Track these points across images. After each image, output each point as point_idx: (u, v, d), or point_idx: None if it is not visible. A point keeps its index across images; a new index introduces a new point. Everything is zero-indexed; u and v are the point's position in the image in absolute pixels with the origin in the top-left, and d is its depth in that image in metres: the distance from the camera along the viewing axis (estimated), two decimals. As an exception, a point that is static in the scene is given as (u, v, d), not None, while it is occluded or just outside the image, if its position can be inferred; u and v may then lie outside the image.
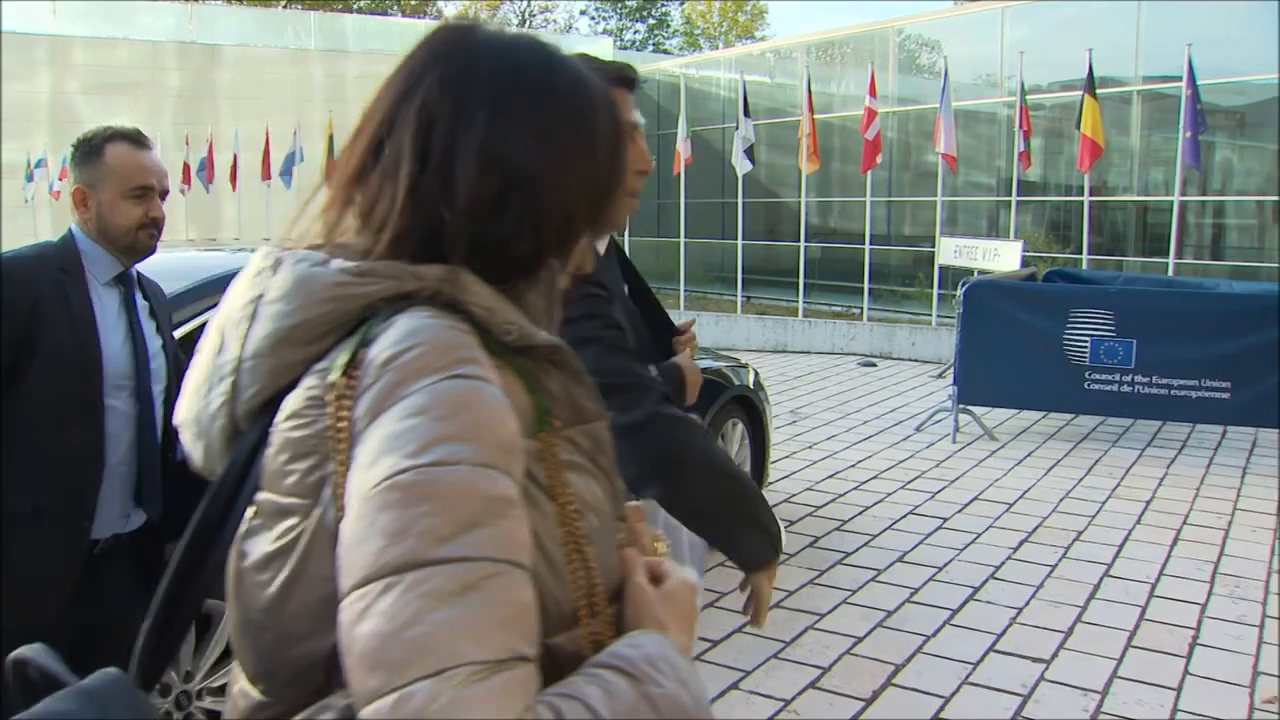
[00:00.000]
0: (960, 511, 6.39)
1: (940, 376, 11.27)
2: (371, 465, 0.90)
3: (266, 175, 19.99)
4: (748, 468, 6.10)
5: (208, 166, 20.56)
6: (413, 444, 0.89)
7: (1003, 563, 5.53)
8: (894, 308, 15.88)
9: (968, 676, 4.27)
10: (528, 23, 46.00)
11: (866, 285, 14.59)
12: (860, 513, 6.39)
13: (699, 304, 16.64)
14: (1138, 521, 6.23)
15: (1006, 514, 6.36)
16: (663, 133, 18.17)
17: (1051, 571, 5.42)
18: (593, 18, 49.68)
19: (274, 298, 1.03)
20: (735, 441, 5.96)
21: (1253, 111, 17.54)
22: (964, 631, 4.70)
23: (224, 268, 3.91)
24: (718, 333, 14.51)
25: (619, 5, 48.40)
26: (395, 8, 42.69)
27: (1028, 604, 5.00)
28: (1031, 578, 5.33)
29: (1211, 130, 17.27)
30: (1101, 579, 5.33)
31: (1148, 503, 6.61)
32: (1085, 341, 7.81)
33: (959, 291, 8.39)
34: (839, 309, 16.18)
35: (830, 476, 7.23)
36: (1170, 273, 12.19)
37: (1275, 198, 16.42)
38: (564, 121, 1.09)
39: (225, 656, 3.35)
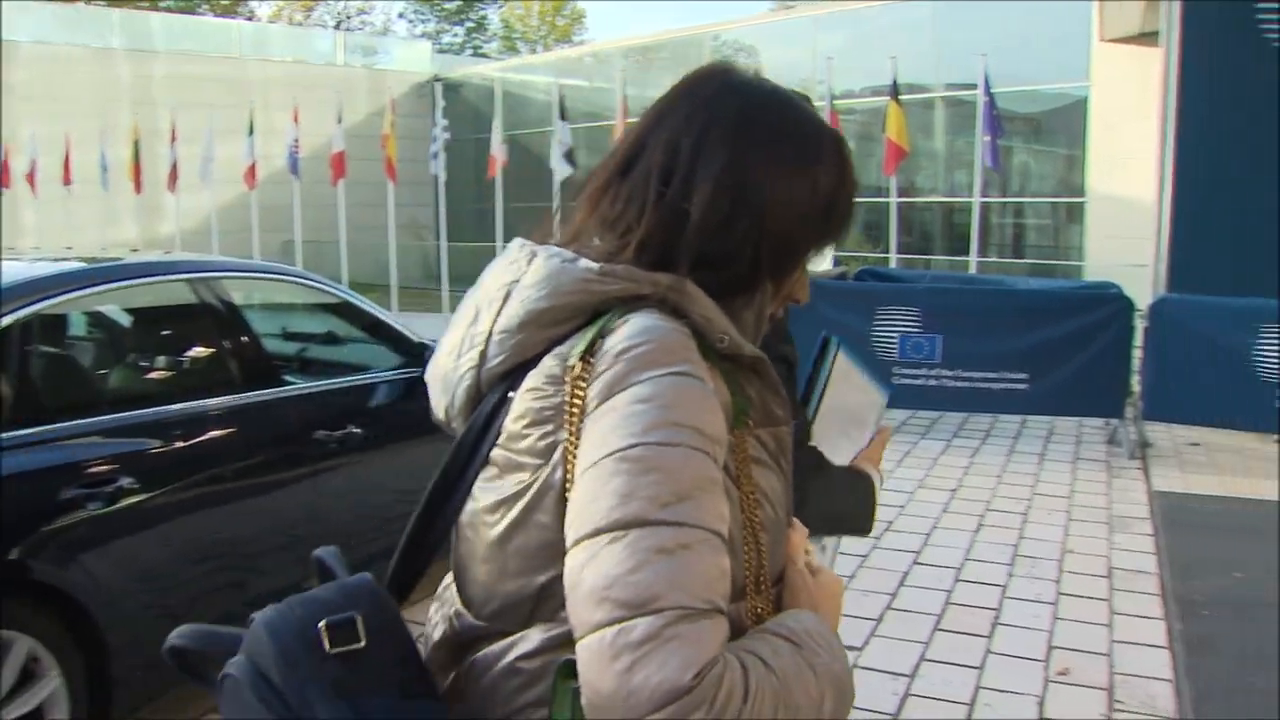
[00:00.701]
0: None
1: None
2: (605, 438, 1.07)
3: (68, 180, 19.11)
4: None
5: (3, 171, 19.55)
6: (641, 424, 1.06)
7: (817, 556, 5.64)
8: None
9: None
10: (344, 24, 45.11)
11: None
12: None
13: (517, 308, 16.55)
14: (944, 510, 6.45)
15: (821, 508, 6.48)
16: (479, 137, 18.05)
17: (863, 562, 5.54)
18: (410, 20, 49.07)
19: (528, 284, 1.21)
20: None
21: (1047, 118, 18.40)
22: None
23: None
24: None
25: (437, 8, 47.88)
26: (205, 7, 41.32)
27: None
28: (844, 569, 5.43)
29: (1010, 135, 18.03)
30: (911, 566, 5.49)
31: (954, 491, 6.86)
32: (893, 337, 8.06)
33: None
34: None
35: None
36: (973, 270, 12.67)
37: (1069, 199, 17.23)
38: (793, 157, 1.24)
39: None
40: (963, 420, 8.90)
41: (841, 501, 1.99)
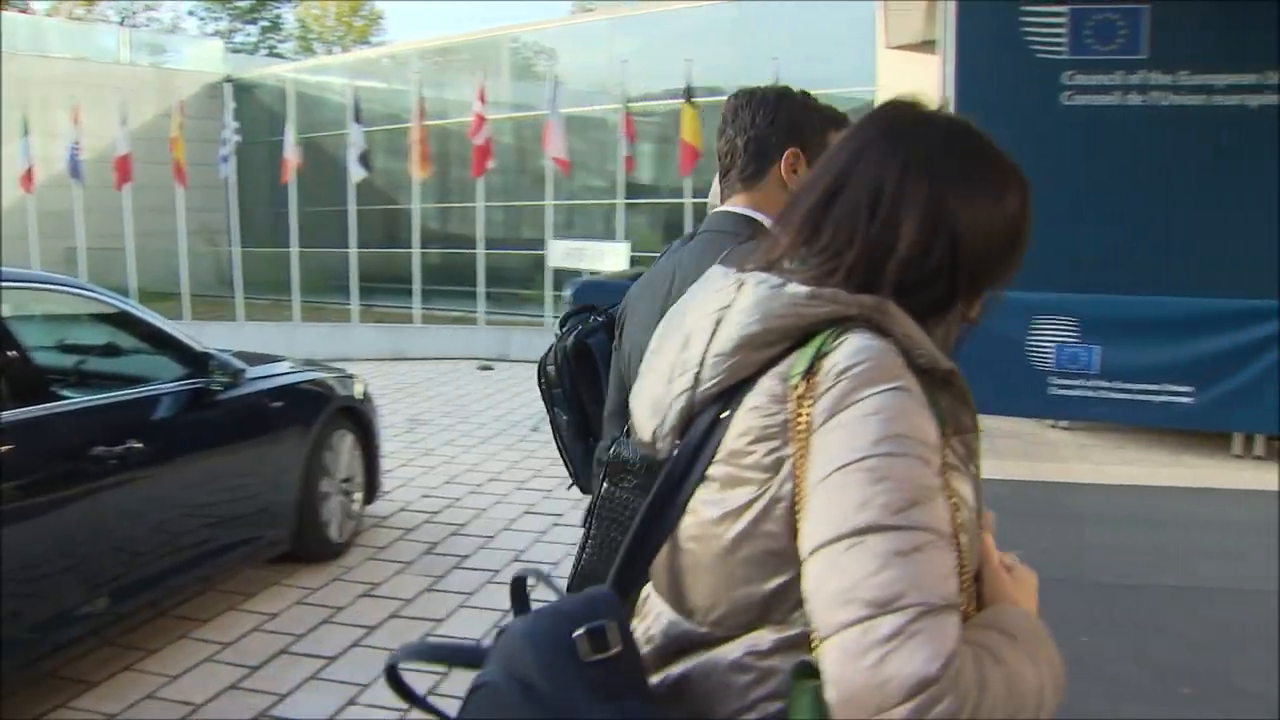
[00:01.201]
0: (575, 508, 6.53)
1: (557, 376, 11.48)
2: (836, 452, 1.14)
3: None
4: (359, 479, 5.99)
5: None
6: (870, 437, 1.13)
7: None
8: (510, 310, 16.07)
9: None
10: (129, 20, 43.19)
11: (482, 289, 14.67)
12: (477, 515, 6.43)
13: (316, 314, 16.19)
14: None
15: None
16: (274, 139, 17.57)
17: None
18: (201, 18, 47.21)
19: (740, 309, 1.28)
20: (345, 453, 5.83)
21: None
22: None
23: None
24: (334, 343, 14.17)
25: (229, 6, 46.28)
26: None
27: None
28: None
29: (809, 138, 18.52)
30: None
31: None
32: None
33: (565, 292, 8.59)
34: (457, 314, 16.20)
35: (448, 482, 7.23)
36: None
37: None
38: (985, 189, 1.35)
39: None
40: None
41: None
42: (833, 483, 1.13)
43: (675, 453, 1.32)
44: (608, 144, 16.95)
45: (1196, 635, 4.69)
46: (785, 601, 1.21)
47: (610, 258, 11.04)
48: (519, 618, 1.27)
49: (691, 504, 1.29)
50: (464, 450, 8.15)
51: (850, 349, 1.19)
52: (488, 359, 13.30)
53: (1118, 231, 10.05)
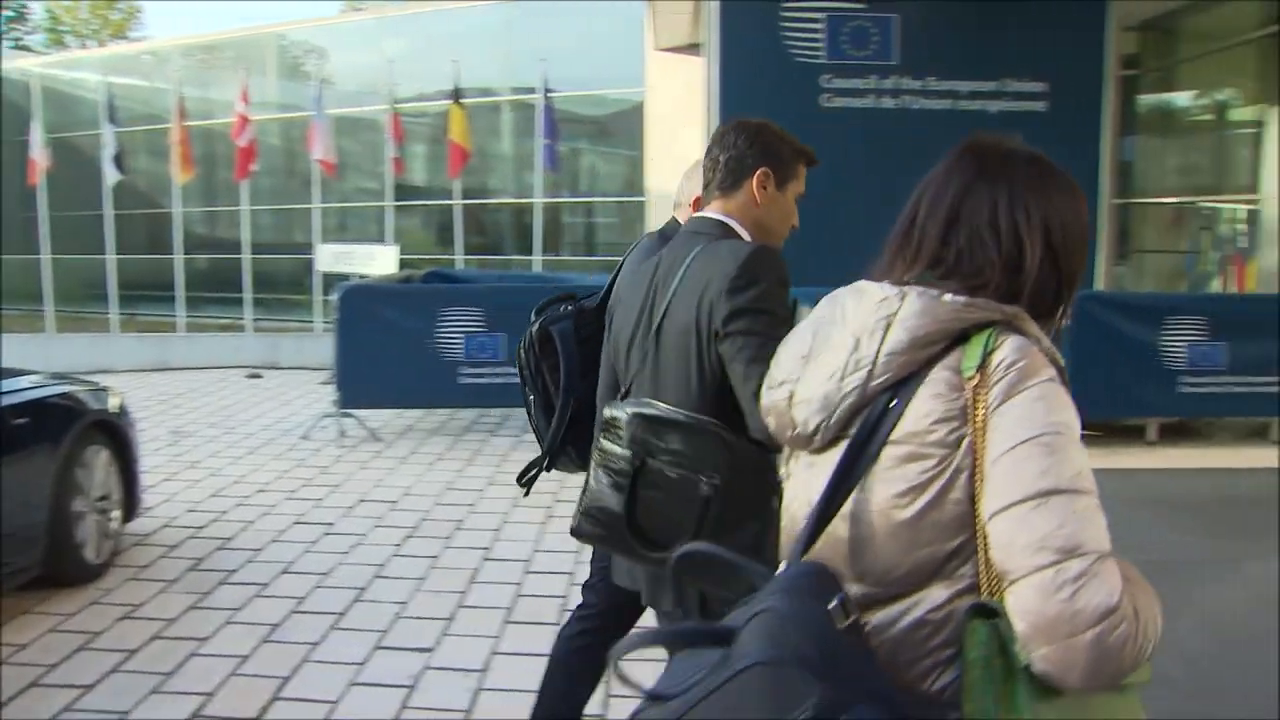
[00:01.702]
0: (346, 515, 6.43)
1: (327, 382, 11.25)
2: (1013, 430, 1.40)
3: None
4: (117, 496, 5.72)
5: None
6: (1041, 419, 1.41)
7: (387, 560, 5.64)
8: (279, 316, 15.63)
9: (355, 677, 4.29)
10: None
11: (249, 295, 14.21)
12: (244, 528, 6.23)
13: (73, 325, 15.37)
14: (514, 505, 6.61)
15: (391, 512, 6.49)
16: (21, 139, 16.55)
17: (435, 563, 5.60)
18: (-66, 8, 44.12)
19: (908, 314, 1.52)
20: (100, 470, 5.56)
21: (611, 121, 19.14)
22: (350, 633, 4.73)
23: None
24: (93, 355, 13.47)
25: (-35, -4, 43.33)
26: None
27: (412, 597, 5.13)
28: (416, 571, 5.47)
29: (577, 137, 18.65)
30: (481, 563, 5.59)
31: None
32: (458, 338, 8.16)
33: (334, 297, 8.43)
34: (224, 321, 15.65)
35: (214, 495, 6.97)
36: (538, 269, 13.01)
37: (633, 198, 18.02)
38: (1074, 208, 1.62)
39: None
40: (532, 415, 9.11)
41: None
42: (1016, 454, 1.39)
43: (852, 438, 1.53)
44: (379, 145, 16.68)
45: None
46: (957, 558, 1.46)
47: (380, 261, 10.86)
48: (760, 605, 1.41)
49: (865, 484, 1.51)
50: (231, 462, 7.89)
51: (1012, 347, 1.46)
52: (257, 367, 12.89)
53: (875, 229, 10.51)
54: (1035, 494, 1.37)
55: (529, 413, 3.18)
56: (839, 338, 1.58)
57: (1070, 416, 1.44)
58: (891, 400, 1.50)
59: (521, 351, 3.11)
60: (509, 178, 18.23)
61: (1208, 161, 16.02)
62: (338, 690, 4.18)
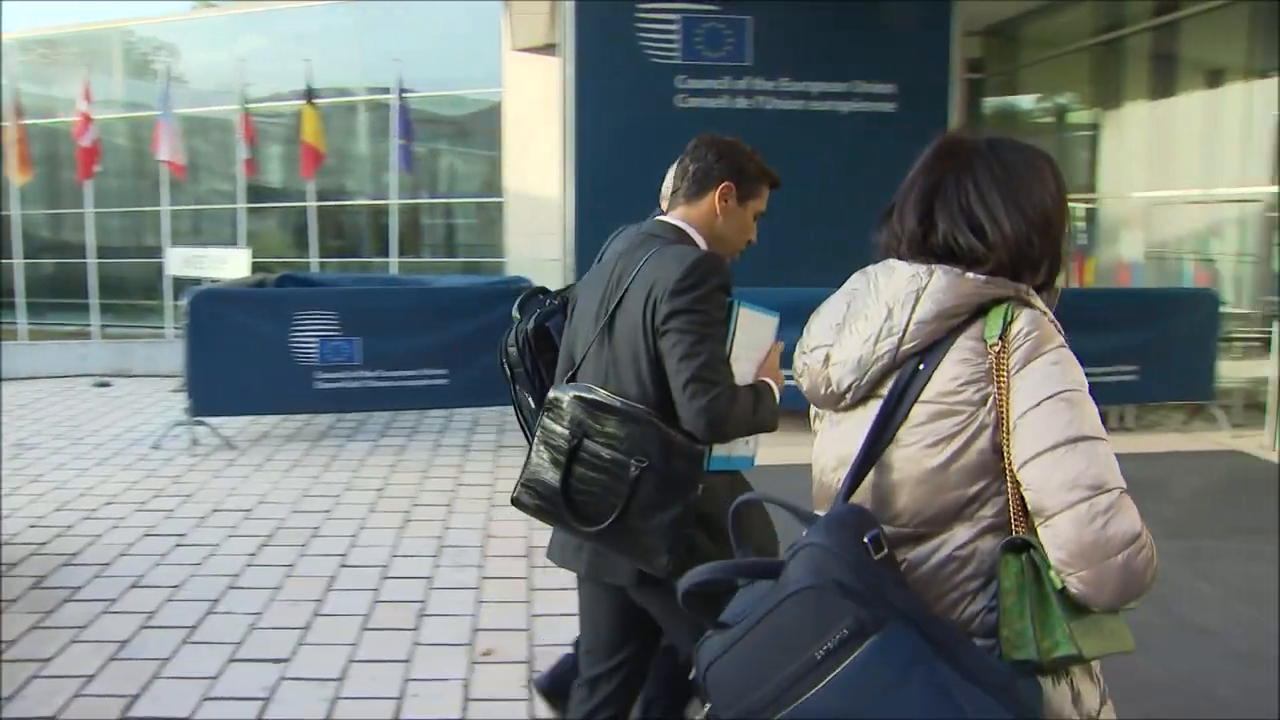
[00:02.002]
0: (199, 526, 6.26)
1: (179, 390, 10.94)
2: (1037, 389, 1.63)
3: None
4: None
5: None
6: (1060, 379, 1.64)
7: (241, 571, 5.51)
8: (129, 323, 15.14)
9: (208, 692, 4.19)
10: None
11: (95, 301, 13.73)
12: (91, 543, 6.01)
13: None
14: (371, 510, 6.53)
15: (246, 521, 6.34)
16: None
17: (290, 572, 5.49)
18: None
19: (936, 289, 1.72)
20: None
21: (470, 121, 19.01)
22: (203, 647, 4.61)
23: None
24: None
25: None
26: None
27: (267, 608, 5.03)
28: (270, 581, 5.36)
29: (435, 137, 18.48)
30: (338, 571, 5.50)
31: (380, 490, 6.96)
32: (312, 342, 8.02)
33: (182, 301, 8.21)
34: (71, 328, 15.09)
35: (59, 509, 6.72)
36: (394, 271, 12.87)
37: (491, 198, 17.92)
38: (1055, 191, 1.82)
39: None
40: (389, 420, 9.04)
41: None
42: (1042, 409, 1.63)
43: (886, 396, 1.75)
44: (231, 146, 16.29)
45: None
46: (978, 501, 1.69)
47: (232, 264, 10.60)
48: (804, 543, 1.62)
49: (900, 435, 1.73)
50: (78, 474, 7.61)
51: (1027, 318, 1.69)
52: (106, 375, 12.45)
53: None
54: (1064, 441, 1.61)
55: (519, 411, 3.24)
56: (873, 308, 1.79)
57: (1081, 376, 1.68)
58: (920, 364, 1.73)
59: (511, 350, 3.17)
60: (366, 179, 17.97)
61: (1049, 161, 16.59)
62: (190, 705, 4.08)
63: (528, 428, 3.12)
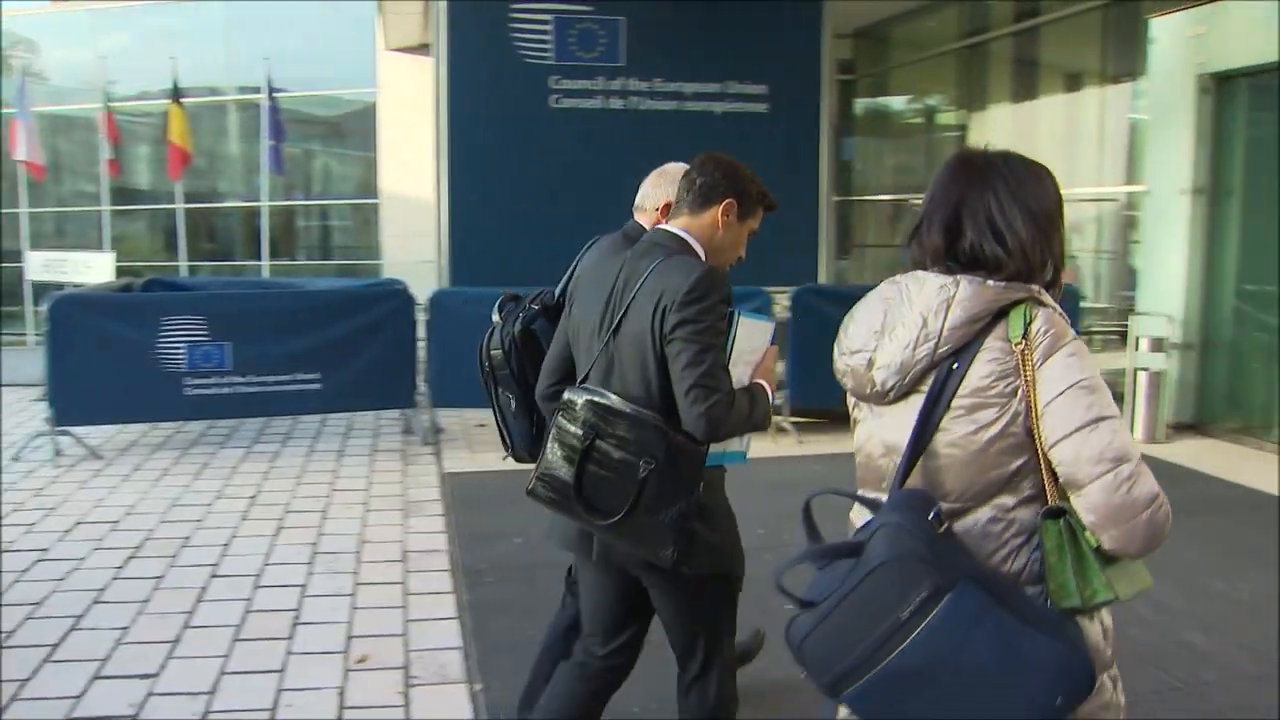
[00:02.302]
0: (62, 540, 6.05)
1: (41, 399, 10.57)
2: (1059, 379, 1.91)
3: None
4: None
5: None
6: (1078, 369, 1.92)
7: (107, 584, 5.34)
8: (-12, 329, 14.63)
9: (71, 711, 4.05)
10: None
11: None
12: (-55, 561, 5.79)
13: None
14: (244, 518, 6.39)
15: (112, 533, 6.15)
16: None
17: (159, 584, 5.35)
18: None
19: (964, 297, 2.00)
20: None
21: (345, 121, 18.76)
22: (67, 665, 4.46)
23: None
24: None
25: None
26: None
27: (134, 621, 4.89)
28: (138, 594, 5.21)
29: (309, 138, 18.19)
30: (209, 581, 5.38)
31: (253, 498, 6.82)
32: (181, 348, 7.83)
33: (44, 307, 7.94)
34: (-77, 336, 14.52)
35: (-90, 526, 6.45)
36: (266, 274, 12.64)
37: (367, 200, 17.71)
38: (1056, 196, 2.10)
39: None
40: (262, 426, 8.87)
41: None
42: (1066, 396, 1.92)
43: (929, 392, 2.03)
44: (95, 146, 15.82)
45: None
46: (1019, 475, 2.00)
47: (96, 269, 10.31)
48: (879, 522, 1.92)
49: (944, 425, 2.02)
50: (-70, 489, 7.32)
51: (1044, 317, 1.98)
52: (-39, 384, 11.99)
53: (605, 227, 10.67)
54: (1088, 422, 1.91)
55: (500, 414, 3.41)
56: (909, 316, 2.06)
57: (1094, 365, 1.96)
58: (954, 364, 2.01)
59: (495, 353, 3.31)
60: (237, 180, 17.63)
61: (920, 162, 16.97)
62: (51, 725, 3.95)
63: (505, 427, 3.40)
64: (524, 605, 4.95)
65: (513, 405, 3.34)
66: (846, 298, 8.55)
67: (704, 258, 2.86)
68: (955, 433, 2.01)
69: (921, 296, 2.05)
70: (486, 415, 8.75)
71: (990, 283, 2.01)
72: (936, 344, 2.01)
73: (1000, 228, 2.03)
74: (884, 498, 2.04)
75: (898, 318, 2.08)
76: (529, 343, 3.29)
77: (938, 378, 2.01)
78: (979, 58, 14.85)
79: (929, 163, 16.63)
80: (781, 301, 8.25)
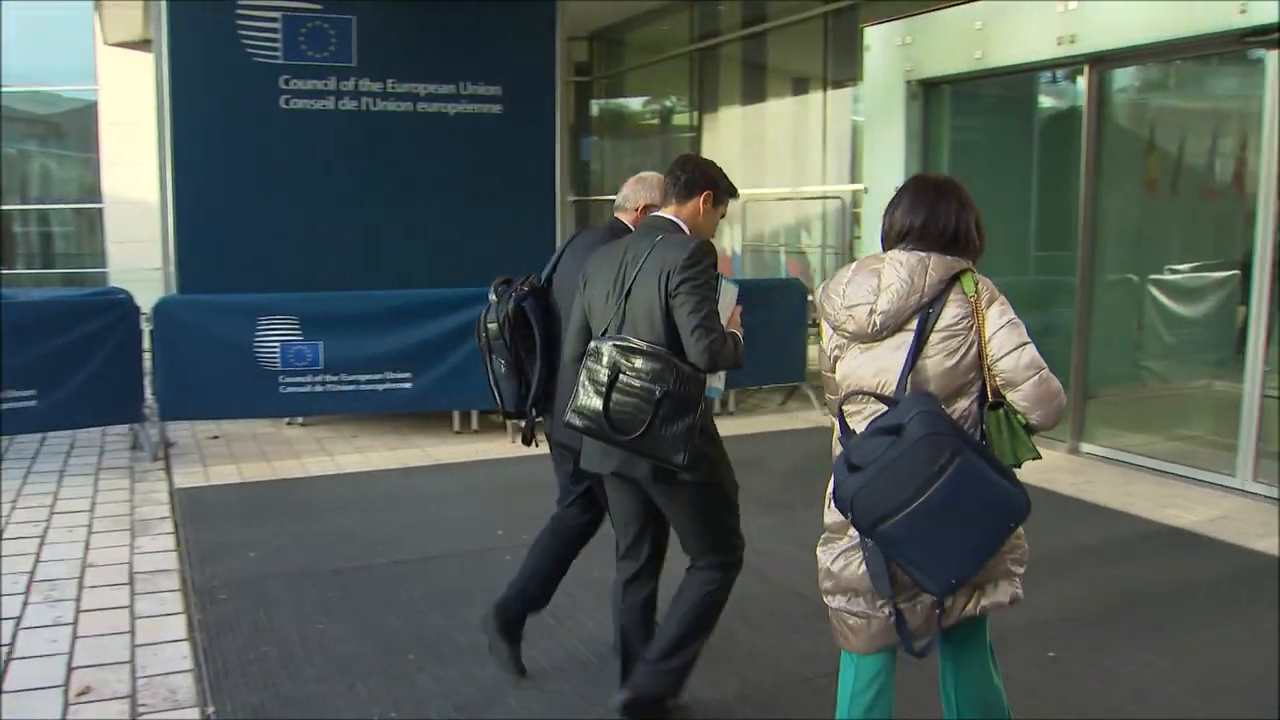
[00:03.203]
0: None
1: None
2: (997, 319, 2.81)
3: None
4: None
5: None
6: (1008, 311, 2.85)
7: None
8: None
9: None
10: None
11: None
12: None
13: None
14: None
15: None
16: None
17: None
18: None
19: (935, 265, 2.88)
20: None
21: (65, 120, 17.78)
22: None
23: None
24: None
25: None
26: None
27: None
28: None
29: (25, 137, 17.15)
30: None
31: (-38, 526, 6.40)
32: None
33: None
34: None
35: None
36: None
37: (89, 204, 16.86)
38: (971, 202, 3.02)
39: None
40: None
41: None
42: (1004, 329, 2.80)
43: (916, 329, 2.85)
44: None
45: (423, 604, 5.07)
46: (971, 384, 2.85)
47: None
48: (912, 406, 2.73)
49: (925, 351, 2.84)
50: None
51: (982, 280, 2.88)
52: None
53: (340, 229, 10.53)
54: (1018, 345, 2.81)
55: (493, 378, 4.27)
56: (900, 278, 2.90)
57: (1010, 308, 2.88)
58: (930, 310, 2.86)
59: (491, 325, 4.16)
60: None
61: (657, 162, 17.37)
62: None
63: (497, 389, 4.28)
64: (257, 621, 4.84)
65: (504, 369, 4.20)
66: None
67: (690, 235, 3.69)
68: (935, 356, 2.86)
69: (906, 265, 2.92)
70: (218, 427, 8.57)
71: (949, 257, 2.93)
72: (920, 296, 2.87)
73: (957, 223, 2.96)
74: (884, 408, 2.83)
75: (891, 279, 2.91)
76: (520, 318, 4.13)
77: (920, 320, 2.87)
78: (711, 61, 15.33)
79: (664, 162, 17.03)
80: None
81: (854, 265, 3.06)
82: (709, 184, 3.79)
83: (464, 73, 10.69)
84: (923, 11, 9.18)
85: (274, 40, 10.13)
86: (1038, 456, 2.87)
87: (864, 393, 2.94)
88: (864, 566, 2.91)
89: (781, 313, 9.72)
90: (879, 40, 9.69)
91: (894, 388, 2.87)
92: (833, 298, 3.03)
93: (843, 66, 12.46)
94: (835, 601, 3.05)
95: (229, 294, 8.18)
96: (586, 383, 3.50)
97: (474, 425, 8.76)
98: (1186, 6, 7.02)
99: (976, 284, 2.87)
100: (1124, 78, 8.56)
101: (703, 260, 3.48)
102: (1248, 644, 4.65)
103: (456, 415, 8.79)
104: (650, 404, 3.40)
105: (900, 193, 3.06)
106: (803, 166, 13.41)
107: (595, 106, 18.22)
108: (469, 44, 10.74)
